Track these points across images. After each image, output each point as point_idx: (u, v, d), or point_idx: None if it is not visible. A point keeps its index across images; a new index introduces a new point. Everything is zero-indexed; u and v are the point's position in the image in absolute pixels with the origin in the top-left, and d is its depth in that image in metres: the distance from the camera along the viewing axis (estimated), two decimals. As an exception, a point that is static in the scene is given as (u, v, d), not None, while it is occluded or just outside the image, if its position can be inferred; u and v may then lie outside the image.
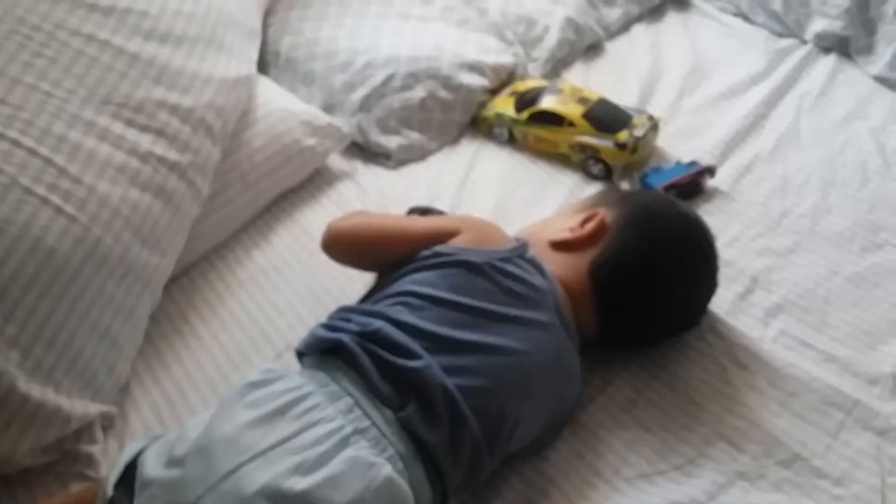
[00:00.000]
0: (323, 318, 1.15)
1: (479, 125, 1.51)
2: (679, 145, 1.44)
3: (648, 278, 1.02)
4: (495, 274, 0.96)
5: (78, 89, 1.09)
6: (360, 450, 0.81)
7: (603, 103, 1.42)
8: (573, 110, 1.40)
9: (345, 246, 1.09)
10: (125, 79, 1.13)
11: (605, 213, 1.06)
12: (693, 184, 1.33)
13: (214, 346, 1.14)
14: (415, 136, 1.46)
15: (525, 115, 1.44)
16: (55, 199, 1.01)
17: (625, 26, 1.76)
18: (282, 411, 0.82)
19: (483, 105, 1.50)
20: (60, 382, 0.99)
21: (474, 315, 0.93)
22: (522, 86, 1.52)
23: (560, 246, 1.05)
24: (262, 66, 1.49)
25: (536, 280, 0.98)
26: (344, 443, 0.81)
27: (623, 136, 1.37)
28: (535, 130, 1.43)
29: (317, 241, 1.27)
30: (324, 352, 0.92)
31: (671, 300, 1.04)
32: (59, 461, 1.00)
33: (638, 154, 1.38)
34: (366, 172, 1.43)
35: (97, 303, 1.03)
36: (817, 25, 1.64)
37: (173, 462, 0.82)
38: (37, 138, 1.03)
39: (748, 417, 1.01)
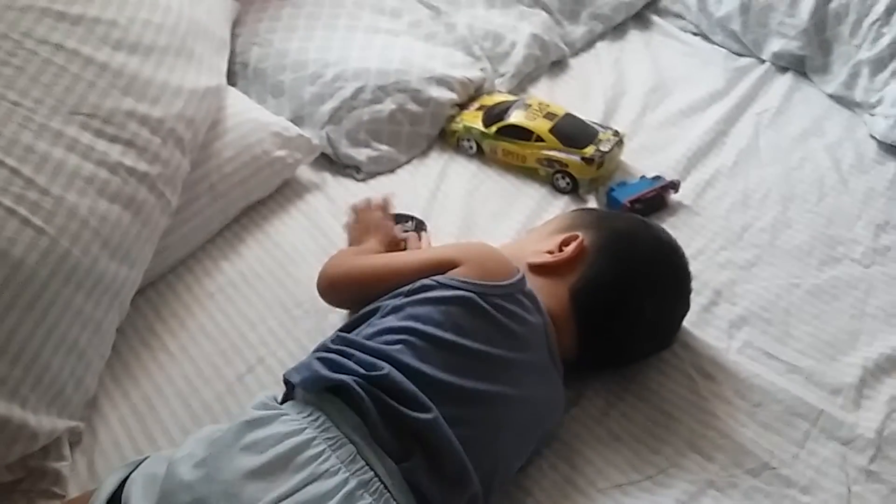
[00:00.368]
0: (295, 332, 1.15)
1: (447, 138, 1.52)
2: (643, 160, 1.47)
3: (622, 299, 1.03)
4: (496, 313, 0.95)
5: (46, 99, 1.07)
6: None
7: (570, 118, 1.45)
8: (541, 125, 1.42)
9: (341, 290, 1.09)
10: (94, 89, 1.11)
11: (584, 236, 1.06)
12: (658, 198, 1.36)
13: (184, 359, 1.13)
14: (384, 149, 1.47)
15: (493, 129, 1.45)
16: (22, 211, 0.99)
17: (589, 43, 1.79)
18: (283, 462, 0.81)
19: (452, 119, 1.51)
20: (27, 398, 0.96)
21: (476, 360, 0.92)
22: (490, 100, 1.54)
23: (540, 269, 1.05)
24: (230, 77, 1.47)
25: (533, 317, 0.98)
26: (349, 499, 0.79)
27: (590, 150, 1.39)
28: (503, 144, 1.45)
29: (286, 252, 1.29)
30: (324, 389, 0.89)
31: (642, 320, 1.05)
32: (25, 478, 0.97)
33: (604, 168, 1.40)
34: (335, 184, 1.43)
35: (65, 316, 1.01)
36: (775, 45, 1.68)
37: None
38: (3, 148, 1.01)
39: (717, 427, 1.03)
